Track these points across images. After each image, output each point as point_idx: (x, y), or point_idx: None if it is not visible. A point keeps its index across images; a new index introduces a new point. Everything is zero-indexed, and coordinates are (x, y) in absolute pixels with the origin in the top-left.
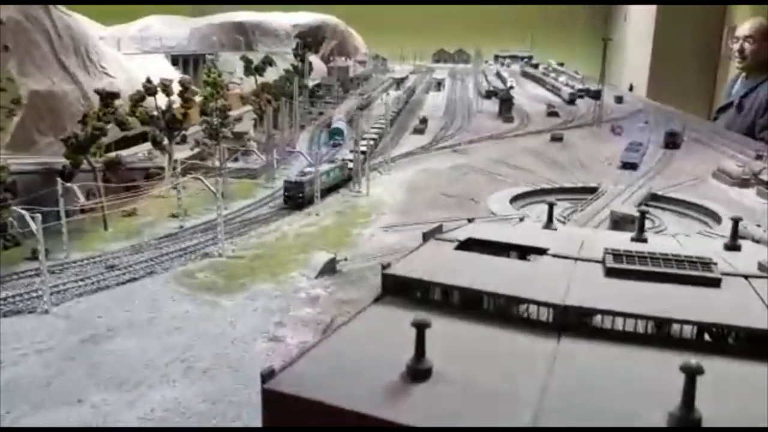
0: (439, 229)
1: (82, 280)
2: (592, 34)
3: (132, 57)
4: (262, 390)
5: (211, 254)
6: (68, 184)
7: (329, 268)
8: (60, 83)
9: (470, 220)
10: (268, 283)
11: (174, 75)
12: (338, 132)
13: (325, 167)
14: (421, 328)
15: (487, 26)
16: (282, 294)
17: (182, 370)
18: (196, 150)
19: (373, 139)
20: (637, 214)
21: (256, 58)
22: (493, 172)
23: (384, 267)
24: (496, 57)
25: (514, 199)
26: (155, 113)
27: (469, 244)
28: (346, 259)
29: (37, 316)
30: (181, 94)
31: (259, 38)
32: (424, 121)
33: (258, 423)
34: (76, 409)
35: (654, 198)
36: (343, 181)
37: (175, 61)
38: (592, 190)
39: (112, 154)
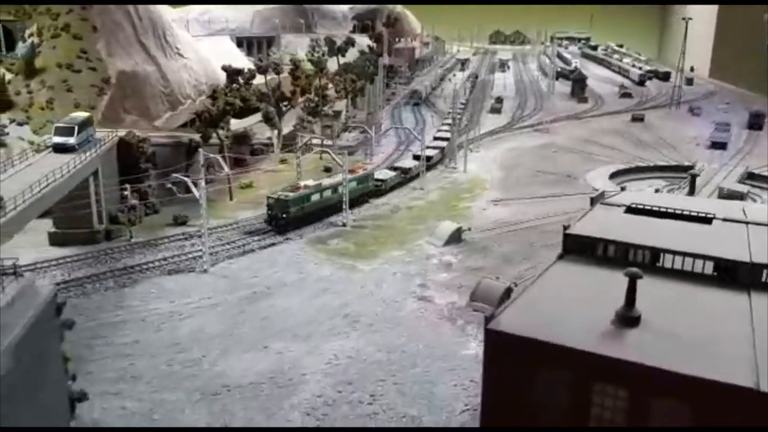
0: (602, 196)
1: (227, 243)
2: (649, 14)
3: (200, 39)
4: (485, 330)
5: (336, 223)
6: (212, 156)
7: (455, 237)
8: (142, 64)
9: (622, 189)
10: (397, 250)
11: (240, 56)
12: (418, 95)
13: (347, 177)
14: (633, 278)
15: (545, 8)
16: (414, 260)
17: (348, 325)
18: (294, 126)
19: (457, 117)
20: (744, 189)
21: (315, 40)
22: (583, 151)
23: (565, 228)
24: (553, 38)
25: (613, 176)
26: (266, 90)
27: (635, 209)
28: (468, 229)
29: (197, 275)
30: (291, 73)
31: (318, 21)
32: (499, 100)
33: (430, 369)
34: (262, 354)
35: (750, 176)
36: (365, 194)
37: (239, 42)
38: (686, 168)
39: (240, 129)
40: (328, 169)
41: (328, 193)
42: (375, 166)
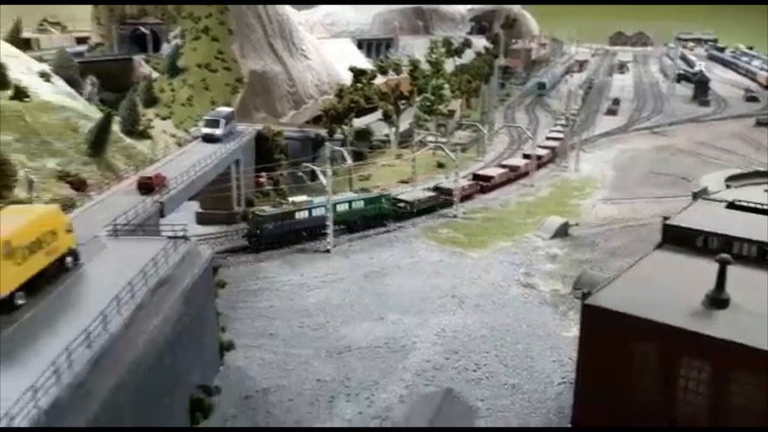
0: (704, 191)
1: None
2: None
3: (323, 41)
4: (582, 305)
5: (447, 215)
6: (337, 148)
7: (562, 231)
8: (271, 65)
9: (728, 187)
10: (505, 241)
11: (360, 58)
12: (542, 86)
13: (349, 196)
14: (723, 263)
15: (669, 9)
16: (521, 251)
17: (456, 304)
18: (409, 125)
19: (572, 118)
20: None
21: (434, 42)
22: (701, 154)
23: (665, 219)
24: (678, 39)
25: (730, 180)
26: (386, 90)
27: (738, 205)
28: (576, 224)
29: (321, 254)
30: (410, 73)
31: (435, 22)
32: (616, 102)
33: (532, 346)
34: (379, 323)
35: None
36: (375, 216)
37: (359, 44)
38: None
39: (362, 125)
40: (441, 165)
41: (319, 212)
42: (408, 185)
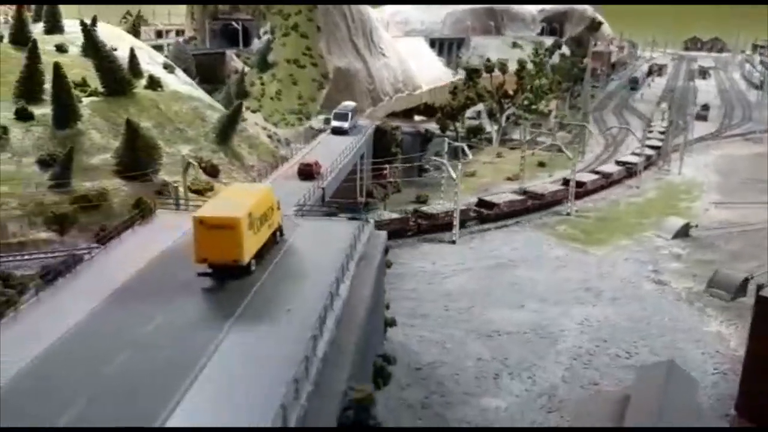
0: None
1: (469, 221)
2: None
3: (396, 39)
4: (758, 298)
5: (560, 212)
6: (457, 143)
7: (683, 232)
8: (353, 62)
9: None
10: (625, 239)
11: (433, 56)
12: (635, 81)
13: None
14: None
15: (748, 14)
16: (643, 249)
17: (591, 296)
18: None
19: (671, 121)
20: None
21: (506, 42)
22: None
23: None
24: (755, 47)
25: None
26: (491, 88)
27: None
28: (696, 226)
29: (447, 244)
30: (517, 73)
31: (506, 23)
32: (705, 107)
33: (676, 338)
34: (520, 311)
35: None
36: None
37: (432, 43)
38: None
39: (475, 122)
40: (542, 164)
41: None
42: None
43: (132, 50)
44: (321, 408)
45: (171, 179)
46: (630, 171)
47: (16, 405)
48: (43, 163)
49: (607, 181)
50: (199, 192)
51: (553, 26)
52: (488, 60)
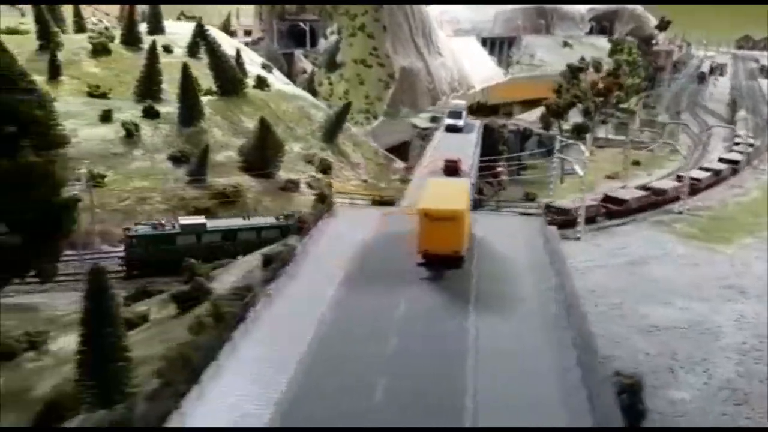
0: None
1: (597, 216)
2: None
3: (450, 38)
4: None
5: (671, 210)
6: (572, 141)
7: None
8: (415, 61)
9: None
10: (748, 238)
11: (485, 55)
12: (703, 75)
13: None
14: None
15: None
16: None
17: (736, 293)
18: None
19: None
20: None
21: (556, 41)
22: None
23: None
24: None
25: None
26: (585, 87)
27: None
28: None
29: (572, 241)
30: (613, 72)
31: (556, 22)
32: None
33: None
34: (669, 308)
35: None
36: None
37: (483, 42)
38: None
39: (579, 120)
40: (636, 162)
41: (213, 237)
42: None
43: (238, 51)
44: (600, 393)
45: (286, 176)
46: (735, 169)
47: (324, 382)
48: (175, 160)
49: (718, 178)
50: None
51: (602, 25)
52: (582, 59)
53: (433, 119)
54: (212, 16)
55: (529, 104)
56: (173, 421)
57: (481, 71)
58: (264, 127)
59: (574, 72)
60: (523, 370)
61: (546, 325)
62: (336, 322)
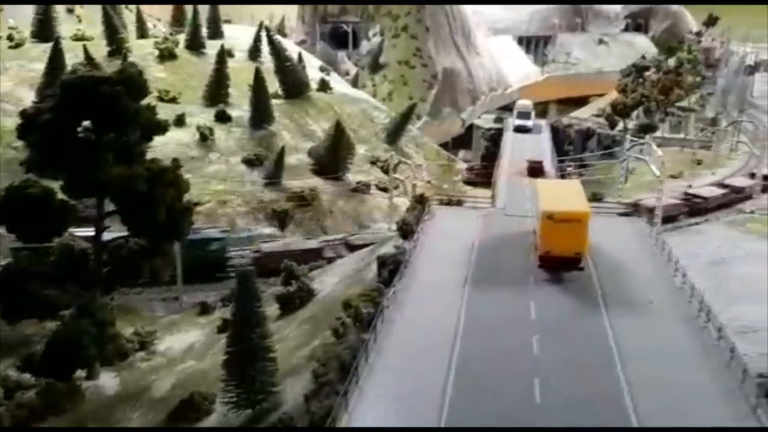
0: None
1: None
2: None
3: (487, 37)
4: None
5: (742, 209)
6: (644, 141)
7: None
8: (455, 61)
9: None
10: None
11: (521, 55)
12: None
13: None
14: None
15: None
16: None
17: None
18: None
19: None
20: None
21: (592, 39)
22: None
23: None
24: None
25: None
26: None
27: None
28: None
29: None
30: (675, 70)
31: (591, 20)
32: None
33: None
34: (757, 307)
35: None
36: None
37: (519, 41)
38: None
39: (646, 120)
40: (699, 162)
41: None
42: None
43: (300, 54)
44: (754, 393)
45: (354, 179)
46: None
47: (481, 382)
48: (249, 163)
49: None
50: (385, 190)
51: (637, 23)
52: (643, 57)
53: (498, 120)
54: (245, 18)
55: (564, 103)
56: (341, 421)
57: (518, 70)
58: (339, 129)
59: (639, 71)
60: (676, 372)
61: (685, 325)
62: (473, 321)
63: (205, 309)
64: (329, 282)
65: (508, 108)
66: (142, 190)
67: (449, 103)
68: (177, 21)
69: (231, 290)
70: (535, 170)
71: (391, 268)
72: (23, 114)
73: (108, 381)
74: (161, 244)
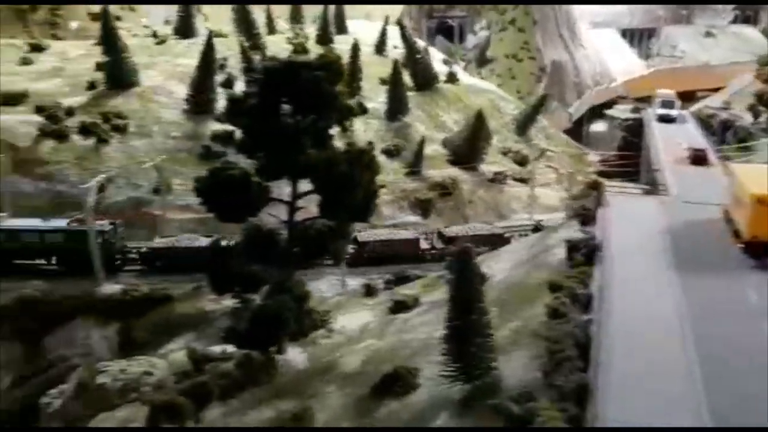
0: None
1: None
2: None
3: (590, 30)
4: None
5: None
6: None
7: None
8: (562, 54)
9: None
10: None
11: (626, 48)
12: None
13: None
14: None
15: None
16: None
17: None
18: None
19: None
20: None
21: (699, 31)
22: None
23: None
24: None
25: None
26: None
27: None
28: None
29: None
30: None
31: (697, 11)
32: None
33: None
34: None
35: None
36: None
37: (623, 34)
38: None
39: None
40: None
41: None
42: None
43: (426, 47)
44: None
45: (535, 165)
46: None
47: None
48: (388, 153)
49: None
50: (522, 180)
51: (746, 14)
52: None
53: (635, 110)
54: (356, 16)
55: None
56: (594, 396)
57: (622, 64)
58: (479, 119)
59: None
60: None
61: None
62: (695, 308)
63: (369, 291)
64: (500, 267)
65: (608, 105)
66: (344, 172)
67: (557, 97)
68: (294, 18)
69: (445, 270)
70: (700, 158)
71: (584, 252)
72: (231, 99)
73: (296, 356)
74: (347, 226)
